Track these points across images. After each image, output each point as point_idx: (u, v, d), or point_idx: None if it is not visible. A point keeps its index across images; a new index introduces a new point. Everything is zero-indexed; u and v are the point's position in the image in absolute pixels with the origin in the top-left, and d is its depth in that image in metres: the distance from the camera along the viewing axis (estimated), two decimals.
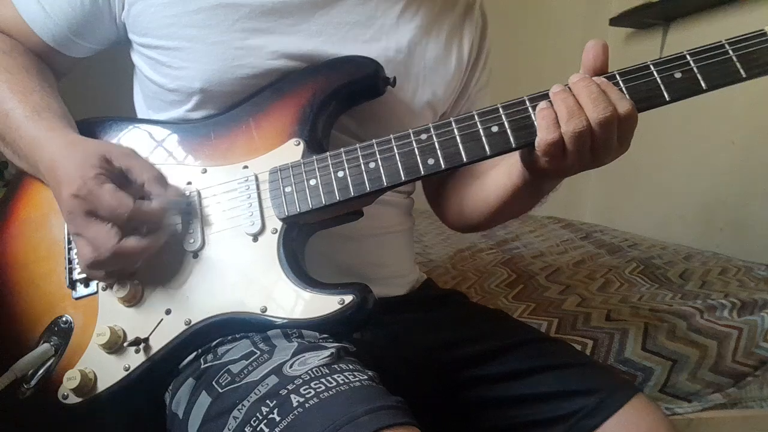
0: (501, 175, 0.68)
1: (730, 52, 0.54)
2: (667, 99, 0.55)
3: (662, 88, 0.54)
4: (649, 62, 0.55)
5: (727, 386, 0.96)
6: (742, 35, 0.54)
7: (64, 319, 0.62)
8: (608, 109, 0.53)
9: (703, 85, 0.54)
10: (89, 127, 0.68)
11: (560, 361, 0.70)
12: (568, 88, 0.55)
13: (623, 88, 0.55)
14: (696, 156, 2.02)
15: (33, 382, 0.60)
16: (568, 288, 1.20)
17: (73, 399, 0.58)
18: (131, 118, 0.71)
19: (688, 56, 0.54)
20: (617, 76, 0.55)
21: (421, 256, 1.48)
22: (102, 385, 0.58)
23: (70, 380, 0.57)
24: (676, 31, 2.10)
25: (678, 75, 0.54)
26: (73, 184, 0.55)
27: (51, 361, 0.61)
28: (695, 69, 0.54)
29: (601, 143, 0.54)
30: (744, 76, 0.53)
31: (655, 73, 0.55)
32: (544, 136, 0.54)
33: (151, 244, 0.57)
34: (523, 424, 0.67)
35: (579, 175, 0.58)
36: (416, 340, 0.71)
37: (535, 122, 0.55)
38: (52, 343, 0.61)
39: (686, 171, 2.07)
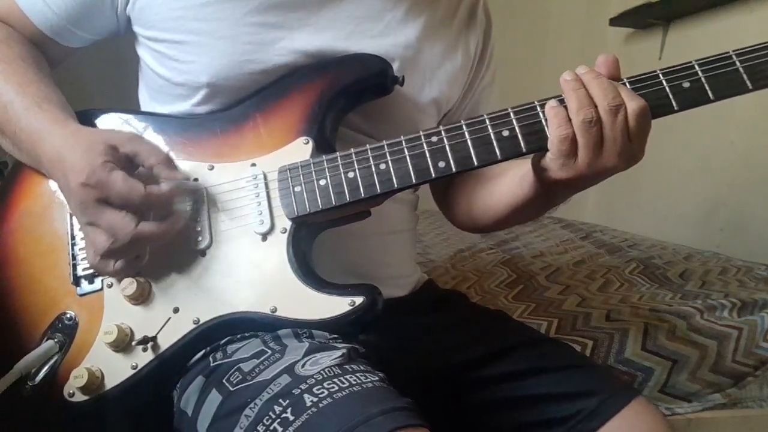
0: (513, 183, 0.67)
1: (737, 63, 0.54)
2: (676, 108, 0.55)
3: (671, 97, 0.55)
4: (658, 71, 0.55)
5: (727, 386, 0.96)
6: (749, 47, 0.54)
7: (68, 315, 0.61)
8: (617, 99, 0.53)
9: (710, 95, 0.54)
10: (90, 118, 0.67)
11: (560, 363, 0.70)
12: (579, 78, 0.55)
13: None
14: (696, 156, 2.02)
15: (37, 380, 0.59)
16: (568, 288, 1.20)
17: (80, 397, 0.58)
18: (135, 110, 0.70)
19: (696, 66, 0.55)
20: (627, 84, 0.55)
21: (421, 256, 1.48)
22: (109, 384, 0.58)
23: (77, 378, 0.56)
24: (676, 31, 2.11)
25: (686, 84, 0.55)
26: (82, 174, 0.54)
27: (55, 358, 0.60)
28: (703, 79, 0.54)
29: (610, 137, 0.53)
30: (750, 87, 0.54)
31: (664, 82, 0.55)
32: (555, 132, 0.54)
33: (170, 228, 0.56)
34: (523, 425, 0.68)
35: None
36: (418, 343, 0.72)
37: (546, 125, 0.56)
38: (56, 340, 0.60)
39: (686, 171, 2.07)
